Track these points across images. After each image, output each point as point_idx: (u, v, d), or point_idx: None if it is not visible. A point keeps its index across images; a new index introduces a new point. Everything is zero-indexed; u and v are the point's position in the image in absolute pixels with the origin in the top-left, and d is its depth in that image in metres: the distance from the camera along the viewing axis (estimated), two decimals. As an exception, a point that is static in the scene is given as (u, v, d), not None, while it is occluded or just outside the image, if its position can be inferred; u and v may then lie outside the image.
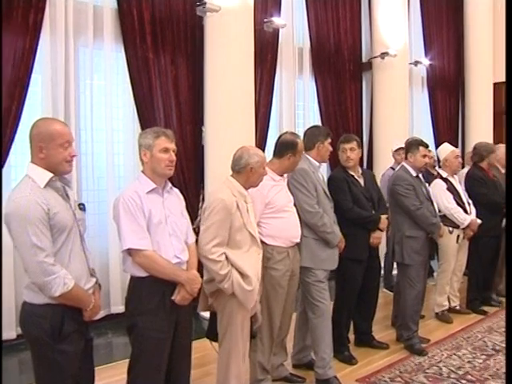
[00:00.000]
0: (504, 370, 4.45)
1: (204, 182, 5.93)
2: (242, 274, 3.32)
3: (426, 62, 9.69)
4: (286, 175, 4.09)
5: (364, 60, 8.53)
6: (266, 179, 3.75)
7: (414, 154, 5.02)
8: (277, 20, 6.76)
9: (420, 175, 5.12)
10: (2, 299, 4.58)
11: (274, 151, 4.05)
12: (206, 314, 3.74)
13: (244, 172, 3.48)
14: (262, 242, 3.74)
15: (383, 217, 4.65)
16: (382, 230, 4.67)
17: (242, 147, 3.57)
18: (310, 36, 7.62)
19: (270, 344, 3.97)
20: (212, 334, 3.61)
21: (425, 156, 5.01)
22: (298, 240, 3.99)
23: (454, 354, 4.83)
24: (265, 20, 6.69)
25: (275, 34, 6.93)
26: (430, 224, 4.90)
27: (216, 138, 5.72)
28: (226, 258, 3.31)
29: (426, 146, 5.05)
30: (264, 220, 3.82)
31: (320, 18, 7.71)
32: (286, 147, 3.96)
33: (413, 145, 5.08)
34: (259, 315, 3.66)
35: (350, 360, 4.62)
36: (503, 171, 6.52)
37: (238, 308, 3.38)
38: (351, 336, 4.94)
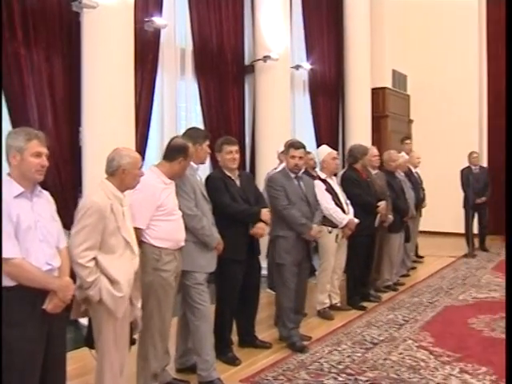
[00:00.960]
0: (381, 361, 4.65)
1: (82, 185, 5.71)
2: (112, 280, 3.22)
3: (308, 66, 9.95)
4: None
5: (247, 63, 8.61)
6: (157, 182, 3.80)
7: (286, 156, 5.15)
8: (158, 20, 6.65)
9: (300, 175, 5.20)
10: None
11: (165, 154, 4.03)
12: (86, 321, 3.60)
13: (117, 174, 3.38)
14: (151, 244, 3.77)
15: (264, 210, 4.72)
16: (265, 223, 4.74)
17: (115, 149, 3.48)
18: (193, 37, 7.58)
19: (162, 347, 3.94)
20: (90, 341, 3.47)
21: (293, 157, 5.08)
22: (184, 243, 3.99)
23: (335, 350, 4.95)
24: (145, 19, 6.54)
25: (156, 33, 6.81)
26: (298, 224, 4.98)
27: (94, 140, 5.52)
28: (97, 263, 3.20)
29: (297, 148, 5.11)
30: (154, 222, 3.81)
31: (202, 19, 7.69)
32: (177, 151, 3.95)
33: (285, 147, 5.20)
34: (139, 321, 3.57)
35: (233, 361, 4.63)
36: (373, 172, 6.81)
37: (108, 315, 3.27)
38: (235, 337, 4.94)
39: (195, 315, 4.13)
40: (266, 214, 4.72)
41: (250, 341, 5.00)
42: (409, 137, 10.33)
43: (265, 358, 4.76)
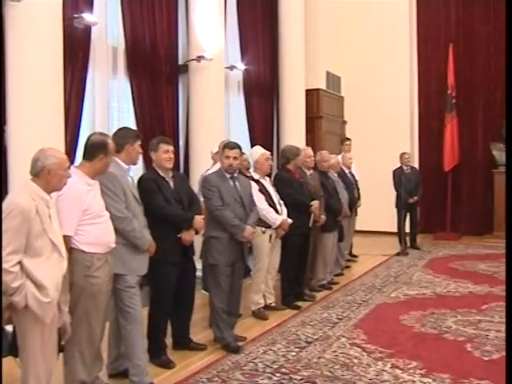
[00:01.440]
0: (315, 360, 4.68)
1: (7, 186, 5.47)
2: (38, 285, 3.10)
3: (242, 66, 9.95)
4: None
5: (180, 62, 8.53)
6: (80, 184, 3.64)
7: (221, 156, 5.15)
8: (88, 16, 6.47)
9: (235, 176, 5.18)
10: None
11: (84, 153, 3.87)
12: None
13: (42, 175, 3.26)
14: (81, 250, 3.63)
15: (198, 217, 4.66)
16: (197, 230, 4.70)
17: (40, 149, 3.35)
18: (125, 35, 7.44)
19: (91, 355, 3.82)
20: (15, 350, 3.34)
21: (228, 157, 5.07)
22: (114, 245, 3.88)
23: (270, 349, 4.96)
24: (75, 15, 6.35)
25: (87, 31, 6.63)
26: (231, 226, 4.96)
27: (20, 139, 5.29)
28: (22, 267, 3.07)
29: (231, 148, 5.11)
30: (82, 227, 3.66)
31: (135, 17, 7.56)
32: (97, 148, 3.81)
33: (220, 147, 5.22)
34: (68, 327, 3.46)
35: (167, 364, 4.56)
36: (308, 173, 6.86)
37: (34, 322, 3.15)
38: (169, 340, 4.87)
39: (127, 319, 4.04)
40: (199, 221, 4.67)
41: (184, 343, 4.95)
42: (348, 138, 10.49)
43: (199, 360, 4.71)
